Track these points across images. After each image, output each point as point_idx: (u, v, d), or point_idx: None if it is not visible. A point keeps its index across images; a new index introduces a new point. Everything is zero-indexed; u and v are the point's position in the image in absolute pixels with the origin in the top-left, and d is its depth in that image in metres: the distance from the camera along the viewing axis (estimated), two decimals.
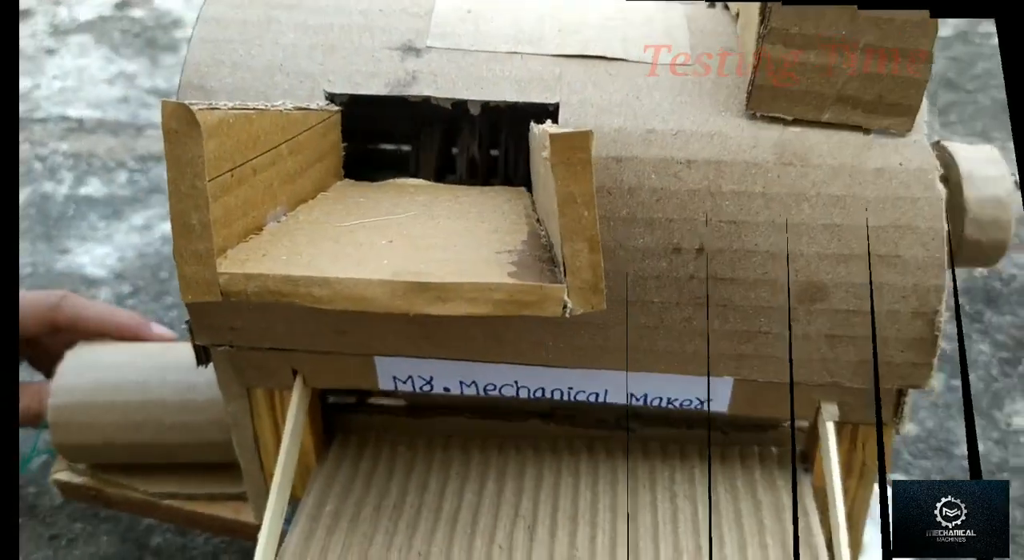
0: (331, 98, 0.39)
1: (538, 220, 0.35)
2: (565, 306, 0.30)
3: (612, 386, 0.42)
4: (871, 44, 0.35)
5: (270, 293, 0.30)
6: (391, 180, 0.40)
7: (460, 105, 0.39)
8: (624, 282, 0.38)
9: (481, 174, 0.41)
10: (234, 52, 0.39)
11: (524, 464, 0.45)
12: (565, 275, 0.30)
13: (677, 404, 0.42)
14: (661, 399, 0.42)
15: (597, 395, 0.42)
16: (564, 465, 0.45)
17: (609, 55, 0.39)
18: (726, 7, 0.44)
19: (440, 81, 0.39)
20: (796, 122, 0.37)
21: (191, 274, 0.30)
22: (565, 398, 0.42)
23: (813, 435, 0.43)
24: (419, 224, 0.34)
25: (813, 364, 0.39)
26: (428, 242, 0.32)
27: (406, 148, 0.45)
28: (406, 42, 0.40)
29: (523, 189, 0.39)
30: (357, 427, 0.48)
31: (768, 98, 0.37)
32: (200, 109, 0.29)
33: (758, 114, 0.37)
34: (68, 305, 0.54)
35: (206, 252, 0.30)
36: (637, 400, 0.42)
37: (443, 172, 0.42)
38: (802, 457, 0.45)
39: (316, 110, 0.36)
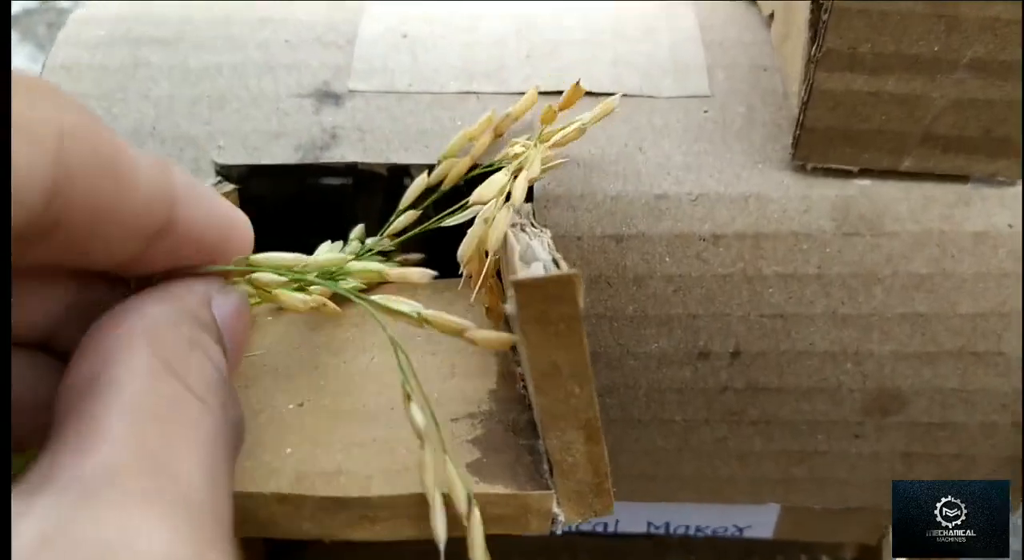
0: (223, 172, 0.28)
1: (513, 347, 0.25)
2: (555, 519, 0.20)
3: (624, 514, 0.32)
4: (980, 58, 0.25)
5: None
6: None
7: (399, 170, 0.29)
8: (635, 397, 0.28)
9: (435, 259, 0.31)
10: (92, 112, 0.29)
11: None
12: (553, 474, 0.20)
13: (708, 532, 0.33)
14: (688, 528, 0.33)
15: (605, 524, 0.33)
16: None
17: (597, 89, 0.29)
18: (754, 2, 0.33)
19: (369, 139, 0.28)
20: (864, 174, 0.27)
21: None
22: (565, 530, 0.33)
23: (870, 549, 0.34)
24: (343, 365, 0.24)
25: (883, 487, 0.30)
26: (353, 403, 0.23)
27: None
28: (321, 85, 0.29)
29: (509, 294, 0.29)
30: (307, 551, 0.38)
31: (824, 144, 0.27)
32: None
33: (809, 166, 0.27)
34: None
35: None
36: (657, 529, 0.33)
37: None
38: None
39: None
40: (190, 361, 0.17)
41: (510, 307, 0.19)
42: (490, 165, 0.27)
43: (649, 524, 0.32)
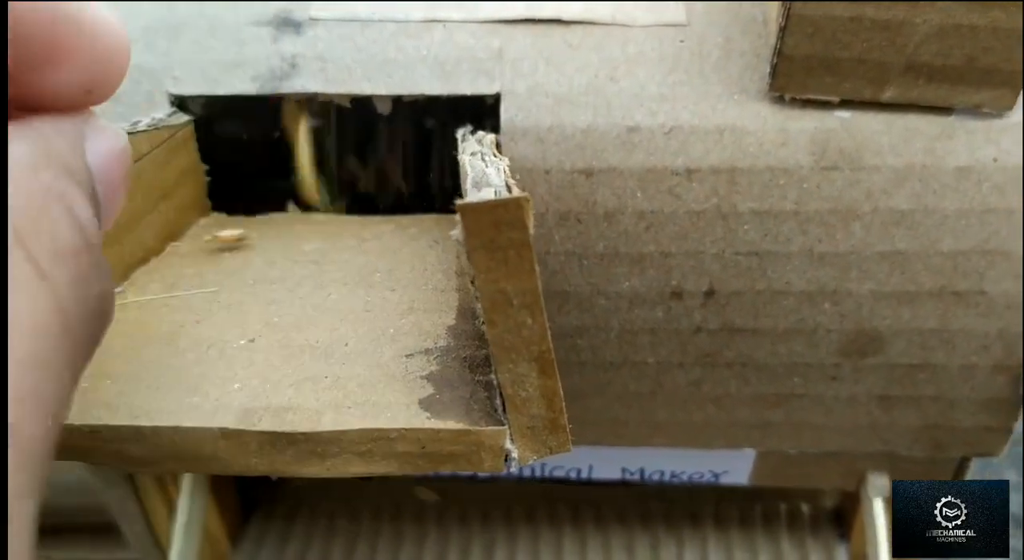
0: (179, 103, 0.27)
1: (473, 280, 0.24)
2: (508, 456, 0.19)
3: (597, 460, 0.32)
4: None
5: (62, 451, 0.20)
6: (275, 214, 0.29)
7: (362, 102, 0.27)
8: (607, 339, 0.28)
9: (399, 193, 0.29)
10: None
11: (493, 538, 0.36)
12: (506, 410, 0.19)
13: (684, 478, 0.32)
14: (662, 473, 0.32)
15: (579, 471, 0.32)
16: (543, 539, 0.36)
17: (567, 17, 0.28)
18: None
19: (331, 69, 0.27)
20: (844, 105, 0.26)
21: None
22: (537, 475, 0.33)
23: (852, 496, 0.34)
24: (299, 300, 0.24)
25: (861, 431, 0.29)
26: (306, 338, 0.22)
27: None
28: (280, 12, 0.28)
29: (457, 219, 0.28)
30: (283, 496, 0.38)
31: (802, 73, 0.26)
32: None
33: (787, 97, 0.26)
34: None
35: None
36: (632, 475, 0.32)
37: (352, 192, 0.31)
38: (836, 519, 0.35)
39: (145, 132, 0.25)
40: (42, 220, 0.13)
41: (456, 233, 0.18)
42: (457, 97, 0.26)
43: (624, 470, 0.32)
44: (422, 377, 0.21)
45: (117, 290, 0.24)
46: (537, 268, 0.18)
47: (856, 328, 0.27)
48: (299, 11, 0.28)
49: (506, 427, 0.19)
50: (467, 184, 0.19)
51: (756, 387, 0.28)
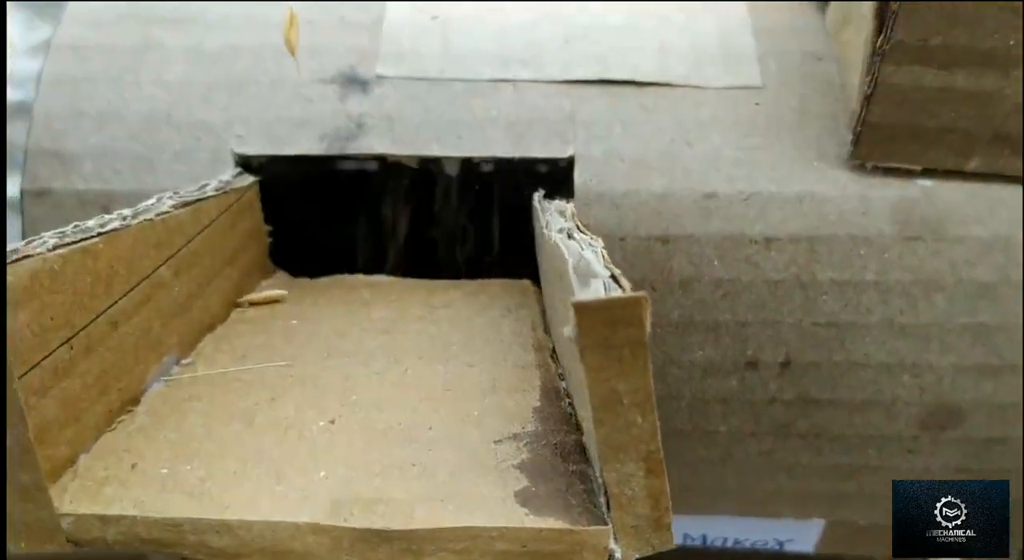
0: (244, 163, 0.26)
1: (553, 353, 0.24)
2: (611, 556, 0.19)
3: None
4: None
5: (141, 542, 0.19)
6: (339, 277, 0.28)
7: (430, 163, 0.27)
8: (678, 408, 0.27)
9: (466, 259, 0.29)
10: (100, 97, 0.27)
11: None
12: (609, 508, 0.19)
13: (747, 545, 0.31)
14: (725, 540, 0.31)
15: None
16: None
17: (640, 78, 0.27)
18: None
19: (399, 129, 0.26)
20: (927, 174, 0.25)
21: (19, 515, 0.19)
22: None
23: None
24: (376, 376, 0.23)
25: None
26: (387, 419, 0.21)
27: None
28: (347, 70, 0.27)
29: (527, 284, 0.27)
30: None
31: (887, 141, 0.25)
32: None
33: (870, 164, 0.26)
34: None
35: (33, 485, 0.19)
36: (693, 541, 0.31)
37: (414, 257, 0.30)
38: None
39: (214, 196, 0.24)
40: None
41: (569, 331, 0.17)
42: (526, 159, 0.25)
43: (685, 536, 0.31)
44: (514, 466, 0.20)
45: (186, 361, 0.23)
46: (651, 366, 0.17)
47: (936, 401, 0.26)
48: (365, 67, 0.27)
49: (610, 527, 0.18)
50: (568, 271, 0.19)
51: (830, 458, 0.27)
